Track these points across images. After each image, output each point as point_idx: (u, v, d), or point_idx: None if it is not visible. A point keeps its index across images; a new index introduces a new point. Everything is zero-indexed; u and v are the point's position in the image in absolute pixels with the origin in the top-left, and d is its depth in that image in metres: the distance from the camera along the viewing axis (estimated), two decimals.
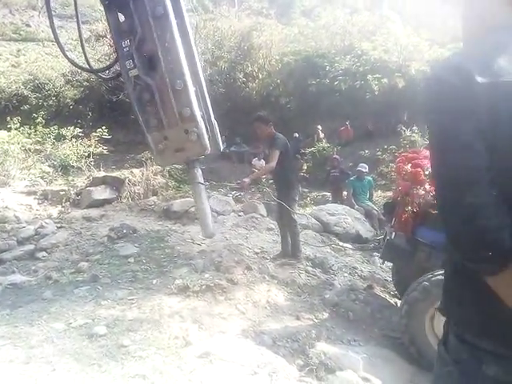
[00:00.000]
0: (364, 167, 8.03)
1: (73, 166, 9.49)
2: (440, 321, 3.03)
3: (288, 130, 14.99)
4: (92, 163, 8.99)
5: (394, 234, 3.69)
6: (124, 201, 6.89)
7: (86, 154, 9.57)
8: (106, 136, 10.43)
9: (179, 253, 4.65)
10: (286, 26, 16.89)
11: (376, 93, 13.81)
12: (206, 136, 2.38)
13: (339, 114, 14.42)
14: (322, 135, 13.84)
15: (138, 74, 2.35)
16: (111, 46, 15.21)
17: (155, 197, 7.41)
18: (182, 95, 2.40)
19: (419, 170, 3.37)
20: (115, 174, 8.36)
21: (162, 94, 2.38)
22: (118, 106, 16.09)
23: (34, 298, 3.57)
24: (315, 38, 15.74)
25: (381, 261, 5.62)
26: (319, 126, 13.90)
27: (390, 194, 10.50)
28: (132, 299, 3.59)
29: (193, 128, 2.37)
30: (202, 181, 2.48)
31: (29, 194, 6.95)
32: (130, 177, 7.63)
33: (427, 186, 3.34)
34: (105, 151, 10.45)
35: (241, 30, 15.48)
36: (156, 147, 2.43)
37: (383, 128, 13.66)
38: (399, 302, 4.21)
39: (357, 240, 6.54)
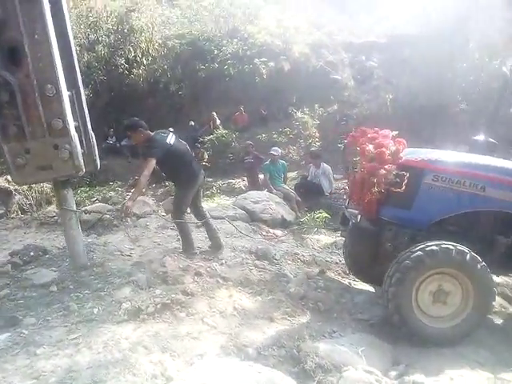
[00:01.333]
0: (276, 151, 8.07)
1: None
2: (424, 291, 3.17)
3: (183, 118, 14.41)
4: None
5: (359, 216, 3.72)
6: (15, 216, 5.74)
7: None
8: None
9: (112, 270, 3.99)
10: (166, 7, 15.94)
11: (264, 76, 14.03)
12: (80, 154, 2.06)
13: (231, 99, 14.32)
14: (218, 122, 13.59)
15: None
16: None
17: (52, 206, 6.35)
18: (54, 103, 1.99)
19: (384, 149, 3.39)
20: None
21: (27, 97, 1.96)
22: None
23: None
24: (199, 20, 15.22)
25: (312, 242, 5.73)
26: (214, 113, 13.62)
27: (293, 174, 10.90)
28: (74, 338, 2.93)
29: (64, 144, 1.97)
30: (74, 205, 2.03)
31: None
32: (16, 187, 6.39)
33: (387, 166, 3.38)
34: None
35: (117, 10, 14.12)
36: (13, 161, 1.97)
37: (275, 111, 13.99)
38: (354, 284, 4.31)
39: (283, 225, 6.56)
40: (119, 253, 4.46)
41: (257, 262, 4.49)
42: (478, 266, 3.12)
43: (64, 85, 2.05)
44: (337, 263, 4.84)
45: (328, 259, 5.02)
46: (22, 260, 4.25)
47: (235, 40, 14.38)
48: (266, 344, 2.94)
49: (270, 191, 7.47)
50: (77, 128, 2.22)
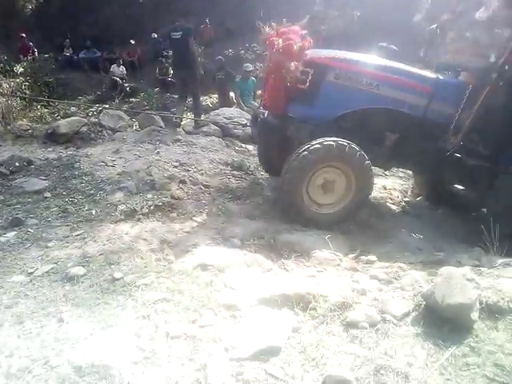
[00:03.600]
0: (249, 67, 8.09)
1: None
2: (315, 181, 3.65)
3: (143, 30, 13.61)
4: None
5: (266, 112, 4.10)
6: None
7: None
8: None
9: (101, 178, 4.27)
10: None
11: None
12: None
13: (196, 10, 13.56)
14: None
15: None
16: None
17: (24, 120, 6.29)
18: None
19: (291, 42, 3.52)
20: None
21: None
22: None
23: None
24: None
25: None
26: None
27: (260, 92, 10.98)
28: (79, 234, 3.32)
29: None
30: None
31: None
32: None
33: (295, 63, 3.57)
34: None
35: None
36: None
37: (243, 26, 13.51)
38: None
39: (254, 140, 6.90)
40: (103, 163, 4.70)
41: (234, 172, 4.90)
42: (365, 162, 3.53)
43: None
44: None
45: None
46: (8, 170, 4.41)
47: None
48: (248, 235, 3.46)
49: (241, 108, 7.66)
50: None
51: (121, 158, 4.98)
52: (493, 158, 3.83)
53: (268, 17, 14.18)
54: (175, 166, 4.90)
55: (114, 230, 3.39)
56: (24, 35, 12.01)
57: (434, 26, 4.53)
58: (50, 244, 3.16)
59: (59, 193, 4.01)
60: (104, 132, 5.75)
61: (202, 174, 4.74)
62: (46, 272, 2.73)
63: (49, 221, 3.55)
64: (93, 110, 9.14)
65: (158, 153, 5.20)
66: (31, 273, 2.74)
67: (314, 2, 13.45)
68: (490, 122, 3.69)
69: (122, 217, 3.59)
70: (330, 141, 3.45)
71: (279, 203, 3.85)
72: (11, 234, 3.32)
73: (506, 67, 3.49)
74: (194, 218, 3.69)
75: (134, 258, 2.89)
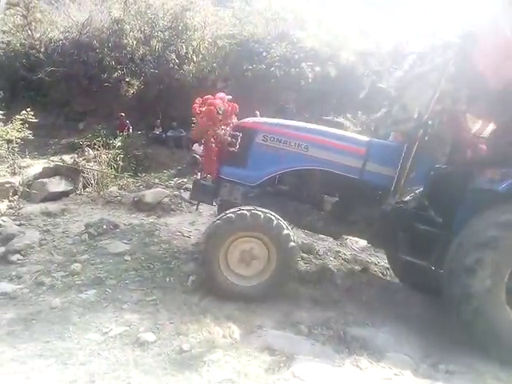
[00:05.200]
0: None
1: None
2: (234, 252, 3.48)
3: None
4: (16, 149, 8.12)
5: (199, 174, 4.22)
6: (85, 193, 6.37)
7: (8, 140, 8.55)
8: (32, 119, 9.38)
9: (177, 247, 4.50)
10: (220, 8, 16.52)
11: (310, 80, 14.34)
12: None
13: (275, 100, 14.72)
14: None
15: None
16: (26, 19, 13.51)
17: (114, 187, 6.94)
18: None
19: (212, 107, 3.66)
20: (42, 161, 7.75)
21: None
22: (36, 85, 14.45)
23: (41, 308, 3.21)
24: (250, 22, 15.70)
25: (351, 243, 6.04)
26: (257, 112, 14.05)
27: None
28: (152, 300, 3.43)
29: None
30: None
31: None
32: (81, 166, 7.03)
33: (224, 127, 3.71)
34: (30, 136, 9.42)
35: (173, 8, 14.79)
36: None
37: (317, 114, 14.30)
38: (394, 281, 4.64)
39: None
40: (180, 233, 4.96)
41: (303, 255, 4.88)
42: (283, 232, 3.35)
43: None
44: (376, 264, 5.17)
45: (368, 260, 5.35)
46: (96, 231, 4.81)
47: (284, 43, 14.74)
48: (315, 323, 3.33)
49: None
50: None
51: (196, 229, 5.22)
52: (445, 222, 3.55)
53: (344, 108, 14.96)
54: None
55: (184, 299, 3.46)
56: (123, 114, 13.73)
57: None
58: (124, 306, 3.30)
59: (138, 257, 4.24)
60: (183, 204, 6.13)
61: None
62: (119, 334, 2.83)
63: (126, 283, 3.73)
64: (173, 182, 9.87)
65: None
66: (106, 332, 2.85)
67: (389, 96, 13.98)
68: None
69: (192, 287, 3.67)
70: (244, 209, 3.39)
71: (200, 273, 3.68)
72: (91, 292, 3.53)
73: (430, 122, 3.43)
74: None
75: (202, 330, 2.89)
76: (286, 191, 3.87)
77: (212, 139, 3.71)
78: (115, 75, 14.25)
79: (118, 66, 14.25)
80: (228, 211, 3.44)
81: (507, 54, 3.18)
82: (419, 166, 3.54)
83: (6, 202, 5.88)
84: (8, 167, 7.71)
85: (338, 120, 4.47)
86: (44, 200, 5.99)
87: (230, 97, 3.98)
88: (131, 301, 3.40)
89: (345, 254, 5.32)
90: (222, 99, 3.78)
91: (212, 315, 3.26)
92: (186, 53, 15.05)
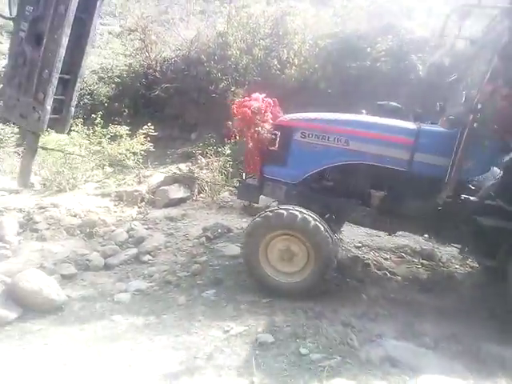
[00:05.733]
0: None
1: (126, 165, 9.51)
2: (274, 248, 3.53)
3: None
4: (140, 161, 9.09)
5: (244, 174, 4.23)
6: (200, 199, 6.85)
7: (134, 152, 9.59)
8: (153, 133, 10.39)
9: None
10: (320, 8, 16.44)
11: (420, 73, 13.39)
12: (46, 120, 2.88)
13: (382, 96, 14.07)
14: None
15: (24, 38, 2.78)
16: (143, 42, 15.07)
17: (227, 193, 7.33)
18: (43, 82, 2.79)
19: (246, 109, 3.64)
20: (162, 170, 8.50)
21: (32, 69, 2.84)
22: (153, 102, 16.04)
23: (170, 305, 3.52)
24: (352, 19, 15.28)
25: None
26: (364, 111, 13.58)
27: None
28: (268, 302, 3.53)
29: (39, 110, 2.82)
30: (36, 147, 3.09)
31: (103, 196, 6.98)
32: (195, 174, 7.59)
33: (267, 126, 3.66)
34: (151, 148, 10.44)
35: (274, 14, 15.11)
36: (8, 100, 2.97)
37: (431, 109, 13.28)
38: None
39: None
40: None
41: (423, 261, 4.55)
42: (320, 233, 3.31)
43: (58, 72, 2.84)
44: None
45: None
46: (212, 234, 5.13)
47: (389, 36, 14.03)
48: (441, 336, 3.07)
49: None
50: (62, 100, 3.09)
51: None
52: None
53: None
54: (357, 247, 4.88)
55: (301, 303, 3.49)
56: (230, 122, 14.50)
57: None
58: (242, 306, 3.45)
59: None
60: None
61: (386, 260, 4.55)
62: (239, 333, 2.97)
63: (242, 284, 3.90)
64: None
65: (341, 232, 5.28)
66: (227, 331, 3.02)
67: None
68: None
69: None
70: (282, 208, 3.45)
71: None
72: (211, 292, 3.77)
73: (479, 106, 3.07)
74: (379, 302, 3.51)
75: (320, 335, 2.88)
76: (331, 187, 3.81)
77: (251, 139, 3.77)
78: (221, 86, 15.09)
79: (224, 77, 15.05)
80: (267, 209, 3.60)
81: None
82: (477, 154, 3.19)
83: (135, 208, 6.60)
84: (135, 177, 8.70)
85: (393, 104, 4.08)
86: (166, 206, 6.57)
87: (264, 95, 3.92)
88: (248, 301, 3.54)
89: (473, 261, 4.81)
90: (256, 99, 3.79)
91: (328, 320, 3.24)
92: (288, 57, 15.26)
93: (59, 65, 2.75)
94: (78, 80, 3.08)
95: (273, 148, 3.80)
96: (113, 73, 16.37)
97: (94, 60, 16.47)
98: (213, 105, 16.88)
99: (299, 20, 15.52)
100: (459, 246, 3.55)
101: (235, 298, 3.63)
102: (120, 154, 9.39)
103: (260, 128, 3.68)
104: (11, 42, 2.93)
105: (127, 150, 9.52)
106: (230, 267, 4.28)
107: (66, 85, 3.07)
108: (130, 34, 15.60)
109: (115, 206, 6.70)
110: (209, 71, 15.20)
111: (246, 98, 3.87)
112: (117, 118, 14.79)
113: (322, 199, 3.74)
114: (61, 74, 2.88)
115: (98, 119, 9.49)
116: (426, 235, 3.88)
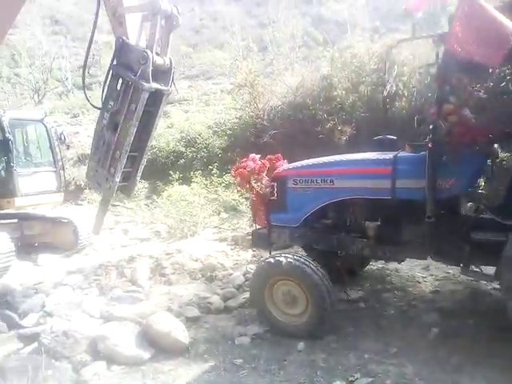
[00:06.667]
0: None
1: (239, 210, 9.97)
2: (278, 291, 3.75)
3: None
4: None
5: (255, 225, 4.53)
6: None
7: (246, 197, 10.00)
8: None
9: (413, 294, 4.21)
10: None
11: None
12: (114, 189, 3.56)
13: None
14: None
15: (105, 125, 3.53)
16: (251, 95, 16.12)
17: None
18: (115, 160, 3.48)
19: (242, 170, 4.09)
20: None
21: (108, 149, 3.51)
22: (262, 148, 16.84)
23: (290, 351, 3.45)
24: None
25: None
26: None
27: None
28: (395, 353, 3.24)
29: (110, 181, 3.52)
30: (107, 207, 3.91)
31: (220, 240, 7.38)
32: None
33: (264, 181, 4.06)
34: None
35: (379, 50, 14.97)
36: (90, 171, 3.74)
37: None
38: None
39: None
40: (414, 279, 4.62)
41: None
42: (313, 279, 3.50)
43: (127, 153, 3.49)
44: None
45: None
46: None
47: None
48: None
49: None
50: (129, 172, 3.78)
51: (431, 275, 4.77)
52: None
53: None
54: None
55: (430, 353, 3.12)
56: None
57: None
58: (366, 355, 3.22)
59: (372, 305, 4.14)
60: None
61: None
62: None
63: (363, 331, 3.66)
64: None
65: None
66: (352, 381, 2.83)
67: None
68: None
69: (437, 340, 3.29)
70: (282, 256, 3.70)
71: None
72: (332, 338, 3.59)
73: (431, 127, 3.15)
74: None
75: None
76: (330, 225, 4.03)
77: (253, 194, 4.21)
78: (328, 126, 15.19)
79: (330, 118, 15.16)
80: (271, 255, 3.94)
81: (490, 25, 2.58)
82: (455, 169, 3.16)
83: (249, 252, 6.81)
84: (247, 221, 9.05)
85: (390, 137, 4.15)
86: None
87: (259, 155, 4.25)
88: (372, 350, 3.30)
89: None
90: (253, 159, 4.16)
91: (468, 375, 2.82)
92: (396, 90, 14.78)
93: (128, 148, 3.46)
94: (144, 156, 3.81)
95: (273, 198, 4.16)
96: (225, 126, 17.77)
97: (208, 116, 18.18)
98: (319, 145, 17.10)
99: (407, 51, 15.12)
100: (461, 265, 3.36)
101: (357, 345, 3.41)
102: (233, 200, 9.96)
103: (258, 184, 4.11)
104: (96, 126, 3.72)
105: (240, 195, 10.05)
106: (349, 312, 4.07)
107: (134, 160, 3.78)
108: (239, 90, 16.92)
109: (231, 249, 7.01)
110: (314, 113, 15.54)
111: (244, 160, 4.28)
112: (230, 167, 15.88)
113: (323, 237, 3.99)
114: (130, 152, 3.55)
115: (214, 169, 10.27)
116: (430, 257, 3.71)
